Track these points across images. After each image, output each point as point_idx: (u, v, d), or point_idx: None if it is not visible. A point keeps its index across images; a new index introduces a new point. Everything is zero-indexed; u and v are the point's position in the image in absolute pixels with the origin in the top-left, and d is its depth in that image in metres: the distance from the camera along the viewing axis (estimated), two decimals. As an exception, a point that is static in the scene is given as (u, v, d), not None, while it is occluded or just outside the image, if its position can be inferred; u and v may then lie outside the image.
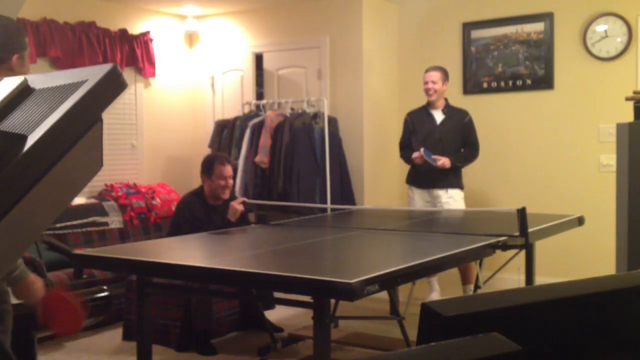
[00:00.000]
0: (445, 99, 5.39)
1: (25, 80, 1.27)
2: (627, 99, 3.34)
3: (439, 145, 5.27)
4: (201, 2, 6.45)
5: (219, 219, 4.38)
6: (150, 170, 6.65)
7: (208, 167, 4.47)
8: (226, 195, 4.49)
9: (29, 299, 2.36)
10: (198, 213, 4.37)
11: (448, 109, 5.36)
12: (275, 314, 4.81)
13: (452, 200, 5.26)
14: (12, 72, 2.27)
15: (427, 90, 5.29)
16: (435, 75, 5.26)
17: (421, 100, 5.78)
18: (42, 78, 1.29)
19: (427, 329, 1.01)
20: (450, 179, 5.29)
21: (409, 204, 5.48)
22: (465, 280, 5.26)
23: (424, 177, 5.30)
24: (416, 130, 5.38)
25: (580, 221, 4.50)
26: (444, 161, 5.12)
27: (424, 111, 5.39)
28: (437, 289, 5.41)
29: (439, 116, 5.34)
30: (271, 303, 4.79)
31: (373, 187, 6.19)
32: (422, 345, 0.93)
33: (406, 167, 5.59)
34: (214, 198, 4.48)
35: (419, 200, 5.35)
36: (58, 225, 5.04)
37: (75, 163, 1.19)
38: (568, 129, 5.65)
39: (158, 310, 4.34)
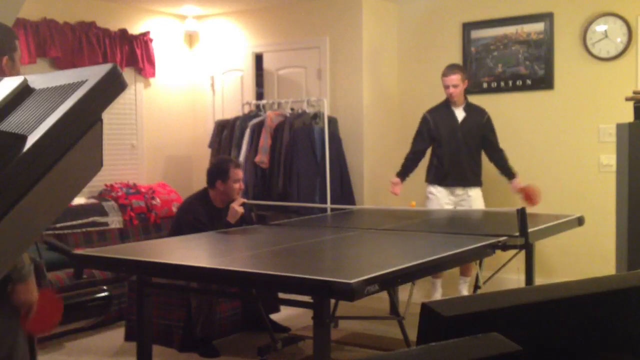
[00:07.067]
0: (465, 96, 5.36)
1: (25, 80, 1.27)
2: (627, 99, 3.34)
3: (463, 145, 5.25)
4: (201, 2, 6.45)
5: (221, 222, 4.37)
6: (150, 170, 6.65)
7: (224, 171, 4.44)
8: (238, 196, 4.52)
9: (26, 300, 2.26)
10: (201, 216, 4.36)
11: (468, 107, 5.34)
12: (276, 314, 4.81)
13: (473, 198, 5.26)
14: (2, 74, 2.27)
15: (449, 95, 5.25)
16: (456, 79, 5.21)
17: (421, 101, 5.79)
18: (42, 78, 1.29)
19: (427, 329, 1.01)
20: (474, 177, 5.30)
21: (427, 203, 5.36)
22: (463, 273, 5.30)
23: (450, 176, 5.26)
24: (439, 129, 5.30)
25: (580, 221, 4.50)
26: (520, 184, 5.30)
27: (445, 108, 5.34)
28: (440, 291, 5.38)
29: (460, 114, 5.30)
30: (276, 306, 4.79)
31: (373, 187, 6.19)
32: (422, 345, 0.93)
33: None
34: (222, 201, 4.47)
35: (442, 198, 5.28)
36: (58, 225, 5.04)
37: (75, 163, 1.19)
38: (568, 129, 5.65)
39: (160, 311, 4.33)
